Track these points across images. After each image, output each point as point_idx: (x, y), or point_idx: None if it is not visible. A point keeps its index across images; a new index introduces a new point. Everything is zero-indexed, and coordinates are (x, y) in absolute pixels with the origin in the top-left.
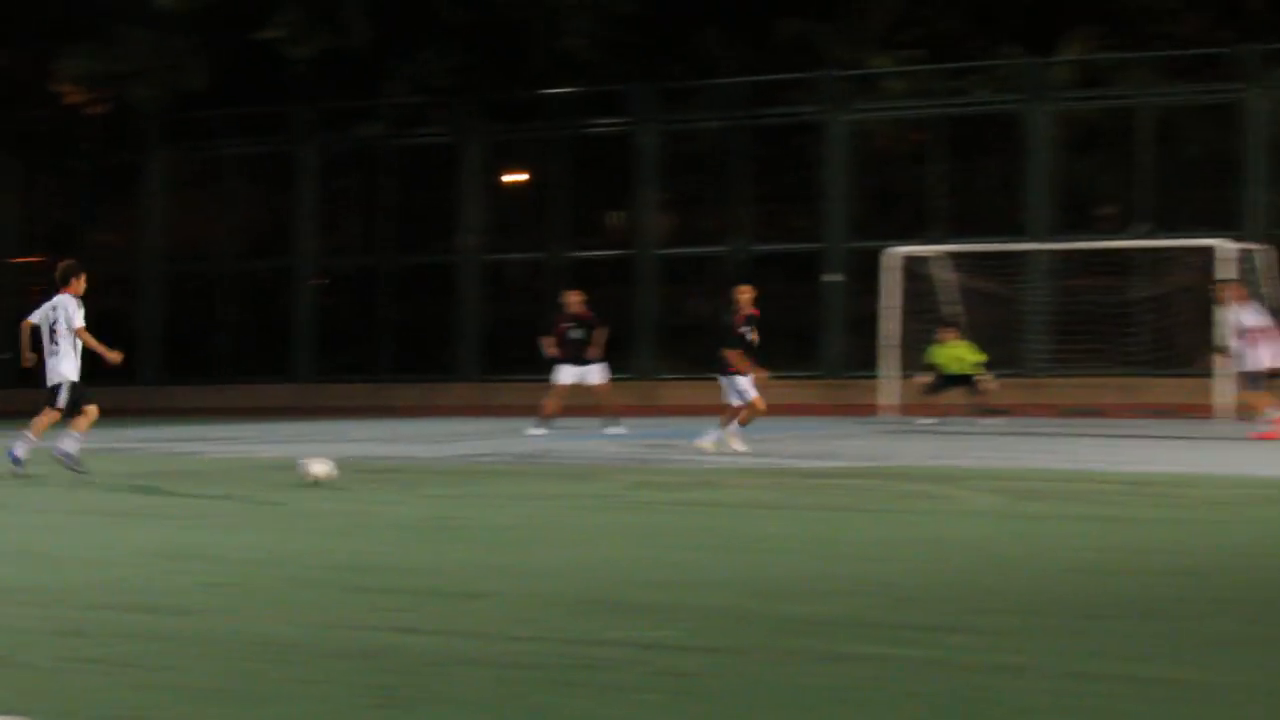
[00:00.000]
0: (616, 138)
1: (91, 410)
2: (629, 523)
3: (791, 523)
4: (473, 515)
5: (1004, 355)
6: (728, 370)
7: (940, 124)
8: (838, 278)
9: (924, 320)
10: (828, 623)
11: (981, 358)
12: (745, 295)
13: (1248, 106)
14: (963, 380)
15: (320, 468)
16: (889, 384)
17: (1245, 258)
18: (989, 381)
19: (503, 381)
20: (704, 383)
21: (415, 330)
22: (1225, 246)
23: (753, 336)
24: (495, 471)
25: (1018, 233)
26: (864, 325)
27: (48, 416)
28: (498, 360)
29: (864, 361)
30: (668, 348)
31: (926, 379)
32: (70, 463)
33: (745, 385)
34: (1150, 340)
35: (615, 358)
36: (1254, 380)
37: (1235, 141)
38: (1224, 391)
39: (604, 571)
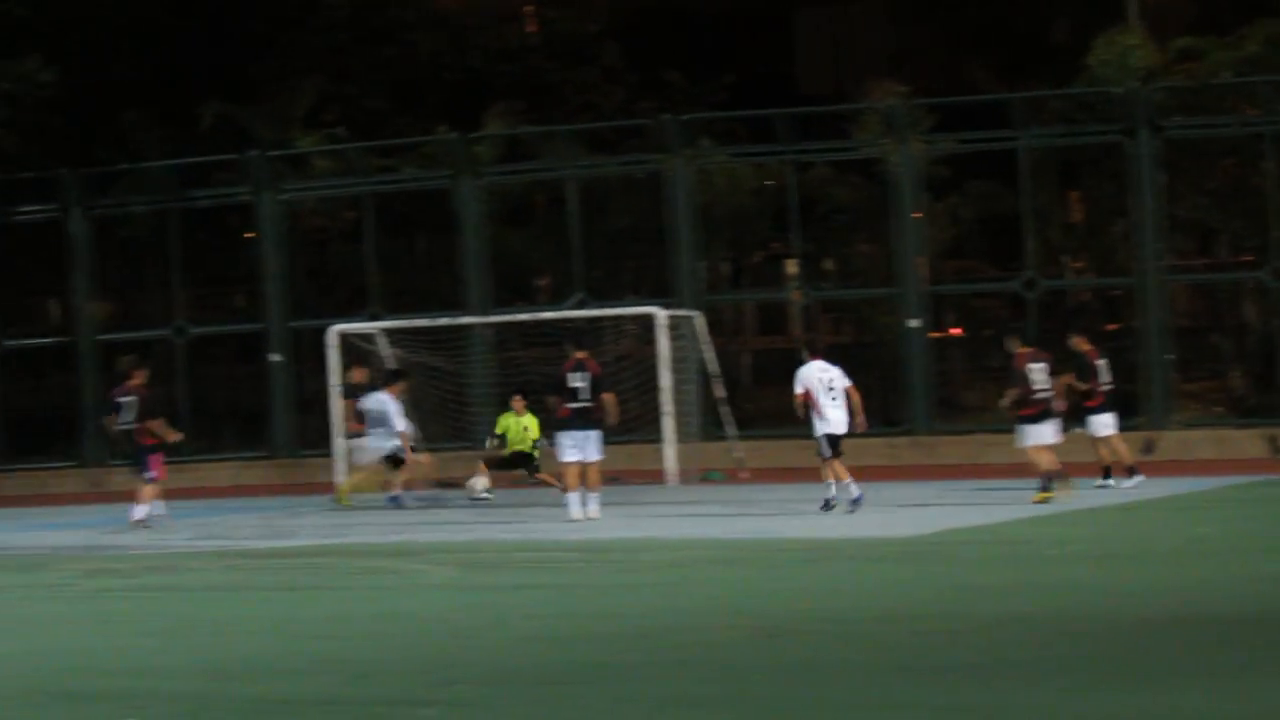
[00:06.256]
0: (46, 224)
1: None
2: (83, 611)
3: (249, 604)
4: None
5: (449, 430)
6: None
7: (371, 201)
8: (279, 358)
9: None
10: (292, 702)
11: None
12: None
13: (671, 176)
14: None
15: None
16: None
17: (679, 324)
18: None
19: None
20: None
21: None
22: (660, 314)
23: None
24: None
25: (456, 307)
26: (310, 404)
27: None
28: None
29: (313, 440)
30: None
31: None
32: None
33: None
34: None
35: (65, 447)
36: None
37: (661, 210)
38: (672, 456)
39: (59, 661)
